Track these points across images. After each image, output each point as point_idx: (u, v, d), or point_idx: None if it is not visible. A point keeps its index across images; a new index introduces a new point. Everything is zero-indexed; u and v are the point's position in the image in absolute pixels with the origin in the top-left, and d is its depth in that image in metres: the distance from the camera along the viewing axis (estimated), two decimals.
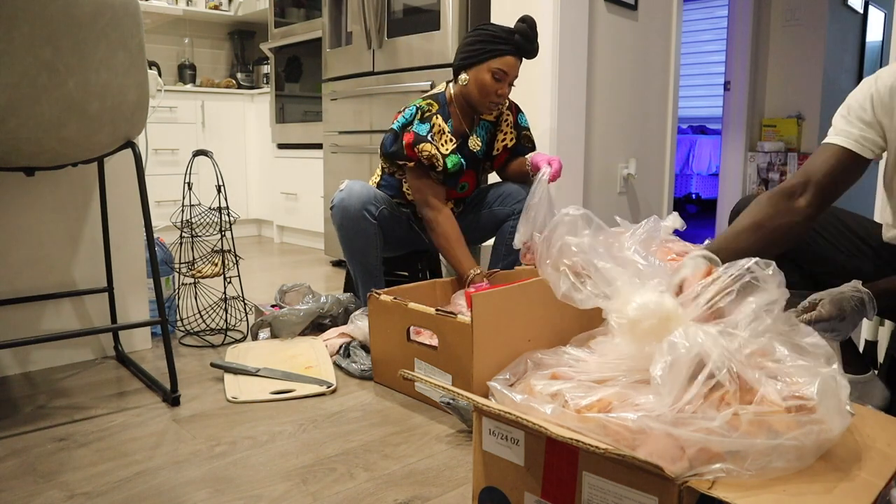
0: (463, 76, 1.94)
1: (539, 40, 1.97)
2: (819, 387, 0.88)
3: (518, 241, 1.85)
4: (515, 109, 2.13)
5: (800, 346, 0.95)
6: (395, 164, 2.00)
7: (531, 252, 1.81)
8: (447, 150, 1.92)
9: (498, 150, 2.10)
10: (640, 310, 0.95)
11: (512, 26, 1.92)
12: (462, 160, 1.96)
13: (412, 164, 1.93)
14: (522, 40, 1.89)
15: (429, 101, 1.97)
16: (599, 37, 2.67)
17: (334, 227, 2.01)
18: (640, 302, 0.96)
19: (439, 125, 1.93)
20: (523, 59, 1.94)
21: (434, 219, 1.94)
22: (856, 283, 1.23)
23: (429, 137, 1.91)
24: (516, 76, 1.95)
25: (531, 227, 1.82)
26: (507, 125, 2.10)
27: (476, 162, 2.08)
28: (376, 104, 2.94)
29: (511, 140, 2.10)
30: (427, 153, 1.89)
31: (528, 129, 2.15)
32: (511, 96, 2.50)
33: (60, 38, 1.32)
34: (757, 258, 0.98)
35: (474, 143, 2.05)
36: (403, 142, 1.91)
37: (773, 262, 0.98)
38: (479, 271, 1.88)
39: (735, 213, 1.38)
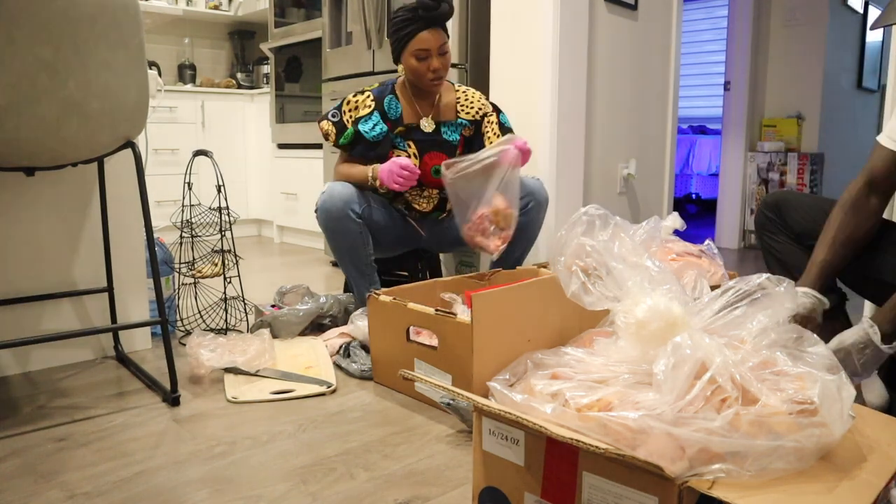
0: (399, 68, 2.03)
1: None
2: (821, 390, 0.88)
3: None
4: (496, 110, 2.16)
5: (803, 355, 0.96)
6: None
7: (480, 229, 1.82)
8: (350, 122, 2.03)
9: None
10: (648, 311, 0.96)
11: (416, 2, 1.93)
12: (376, 130, 2.01)
13: (326, 139, 2.08)
14: (424, 12, 1.91)
15: (363, 87, 2.08)
16: (599, 37, 2.67)
17: (321, 229, 2.01)
18: (650, 304, 0.97)
19: (354, 101, 2.05)
20: (440, 26, 1.95)
21: (337, 175, 2.07)
22: (864, 327, 1.26)
23: (330, 115, 2.06)
24: (441, 44, 1.96)
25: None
26: (493, 125, 2.13)
27: (447, 147, 2.09)
28: None
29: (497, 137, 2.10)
30: (324, 130, 2.06)
31: (511, 132, 2.15)
32: (505, 96, 2.51)
33: (60, 38, 1.32)
34: (769, 275, 1.03)
35: (428, 124, 2.07)
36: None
37: (787, 280, 1.02)
38: (375, 166, 1.96)
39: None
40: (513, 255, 2.08)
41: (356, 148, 2.03)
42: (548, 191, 2.22)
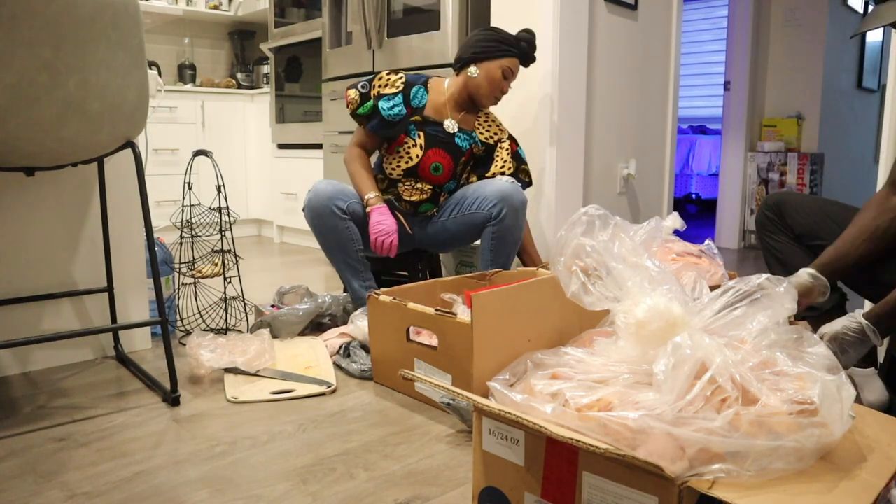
0: (473, 68, 2.07)
1: (524, 29, 2.15)
2: (821, 390, 0.88)
3: None
4: (513, 141, 2.21)
5: (803, 355, 0.96)
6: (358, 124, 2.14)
7: None
8: (373, 96, 2.06)
9: (492, 174, 2.17)
10: (648, 312, 0.96)
11: (515, 34, 2.11)
12: (395, 110, 2.04)
13: (349, 108, 2.10)
14: (527, 48, 2.10)
15: (396, 69, 2.14)
16: (599, 37, 2.67)
17: (309, 227, 2.04)
18: (650, 304, 0.97)
19: (387, 79, 2.07)
20: (521, 66, 2.13)
21: (346, 155, 2.10)
22: (854, 315, 1.28)
23: (359, 86, 2.07)
24: (514, 79, 2.13)
25: None
26: (507, 153, 2.18)
27: (454, 150, 2.11)
28: None
29: (509, 169, 2.17)
30: (349, 98, 2.08)
31: (526, 164, 2.22)
32: (510, 101, 2.51)
33: (60, 38, 1.32)
34: (769, 275, 1.03)
35: (452, 125, 2.11)
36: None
37: (786, 280, 1.03)
38: (375, 195, 2.01)
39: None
40: (498, 262, 2.05)
41: (371, 122, 2.07)
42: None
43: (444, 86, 2.14)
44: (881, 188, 1.43)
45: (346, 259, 2.01)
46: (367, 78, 2.10)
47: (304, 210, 2.01)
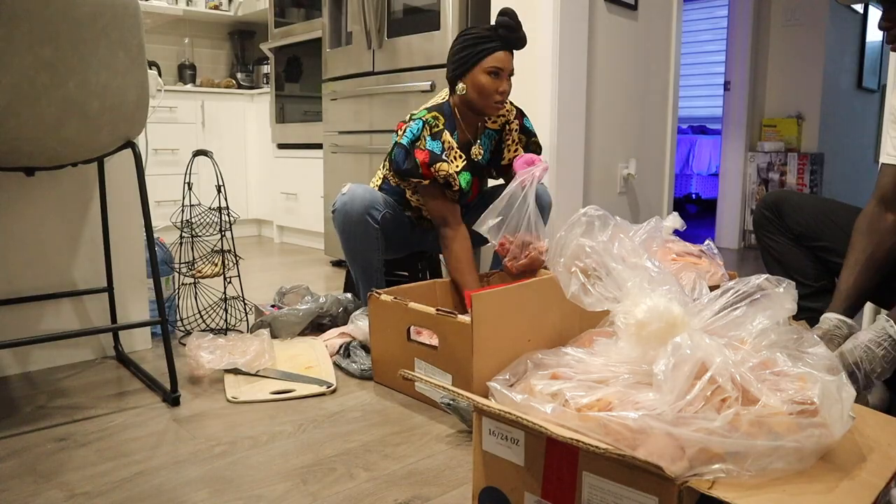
0: (460, 86, 1.90)
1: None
2: (821, 391, 0.88)
3: (493, 242, 1.83)
4: (520, 115, 2.09)
5: (803, 356, 0.96)
6: (406, 181, 1.92)
7: (505, 251, 1.83)
8: (457, 167, 1.90)
9: (507, 160, 2.06)
10: (648, 312, 0.96)
11: (493, 23, 1.89)
12: (471, 176, 1.95)
13: (427, 181, 1.87)
14: (506, 32, 1.86)
15: (434, 113, 1.92)
16: (599, 37, 2.67)
17: (336, 230, 2.00)
18: (649, 305, 0.97)
19: (449, 141, 1.90)
20: (514, 50, 1.91)
21: (451, 237, 1.90)
22: (884, 325, 1.27)
23: (444, 156, 1.87)
24: (512, 70, 1.92)
25: (503, 229, 1.80)
26: (514, 132, 2.06)
27: (479, 169, 2.06)
28: (376, 104, 2.94)
29: (517, 150, 2.06)
30: (444, 173, 1.84)
31: (535, 135, 2.11)
32: (511, 97, 2.50)
33: (60, 38, 1.32)
34: (769, 275, 1.03)
35: (476, 151, 2.01)
36: (417, 160, 1.84)
37: (786, 280, 1.02)
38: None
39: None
40: None
41: (464, 194, 1.95)
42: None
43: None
44: (869, 203, 1.41)
45: (367, 267, 2.00)
46: (438, 143, 1.87)
47: (333, 212, 1.98)
